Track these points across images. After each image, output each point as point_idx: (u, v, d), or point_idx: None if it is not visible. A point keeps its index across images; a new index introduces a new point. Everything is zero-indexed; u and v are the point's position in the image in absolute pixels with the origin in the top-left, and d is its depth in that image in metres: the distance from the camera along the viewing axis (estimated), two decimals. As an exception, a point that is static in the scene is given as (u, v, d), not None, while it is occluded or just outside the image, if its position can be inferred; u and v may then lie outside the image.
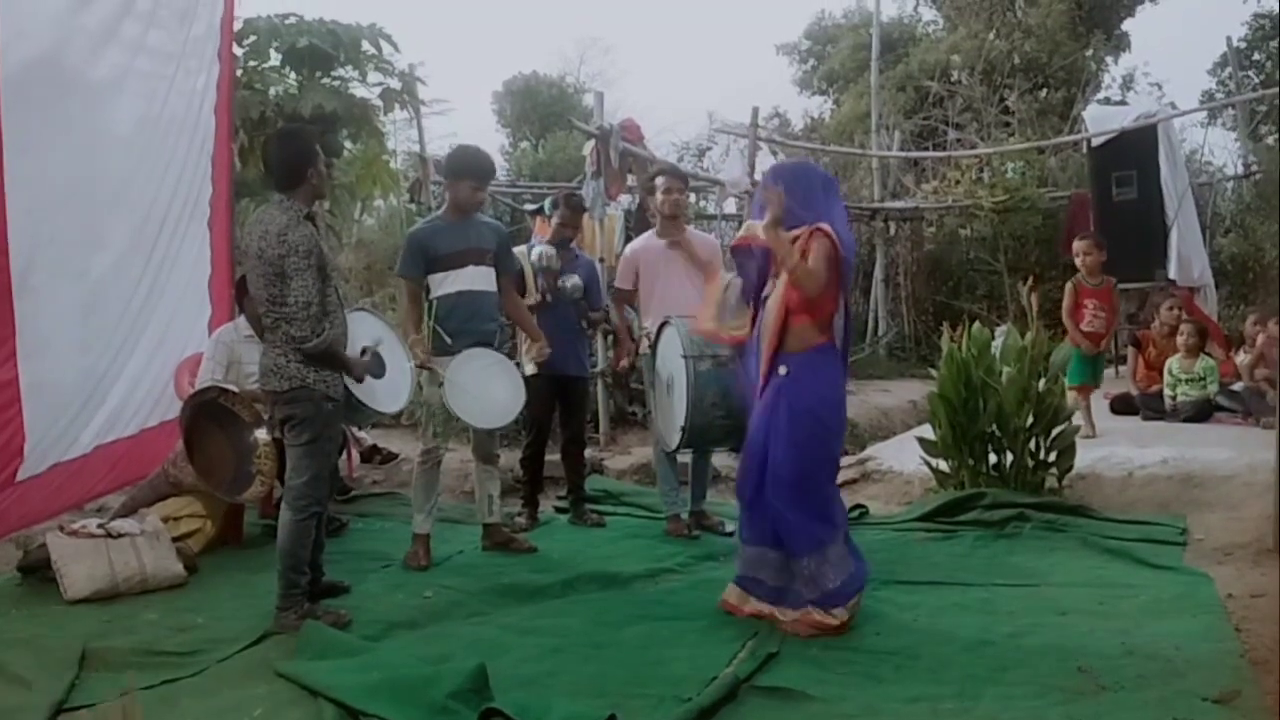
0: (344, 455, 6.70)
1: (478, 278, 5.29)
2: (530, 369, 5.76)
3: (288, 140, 4.45)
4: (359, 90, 9.63)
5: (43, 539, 4.92)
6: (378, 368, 4.62)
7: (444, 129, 17.80)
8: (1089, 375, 7.58)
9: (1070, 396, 6.75)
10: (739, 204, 12.07)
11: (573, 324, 6.18)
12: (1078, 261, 7.66)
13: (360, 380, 4.46)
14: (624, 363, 6.29)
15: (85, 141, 5.43)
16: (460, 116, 21.74)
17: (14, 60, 4.88)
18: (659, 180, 6.10)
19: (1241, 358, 8.28)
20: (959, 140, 15.71)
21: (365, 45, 9.34)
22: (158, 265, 6.00)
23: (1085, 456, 6.35)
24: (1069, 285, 7.71)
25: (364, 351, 4.55)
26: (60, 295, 5.25)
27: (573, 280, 6.06)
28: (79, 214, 5.39)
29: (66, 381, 5.30)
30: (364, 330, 4.70)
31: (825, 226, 4.13)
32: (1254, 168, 12.98)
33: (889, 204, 14.51)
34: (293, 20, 9.10)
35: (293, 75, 9.29)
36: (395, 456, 7.36)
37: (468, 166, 5.38)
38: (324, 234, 5.09)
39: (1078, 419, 6.50)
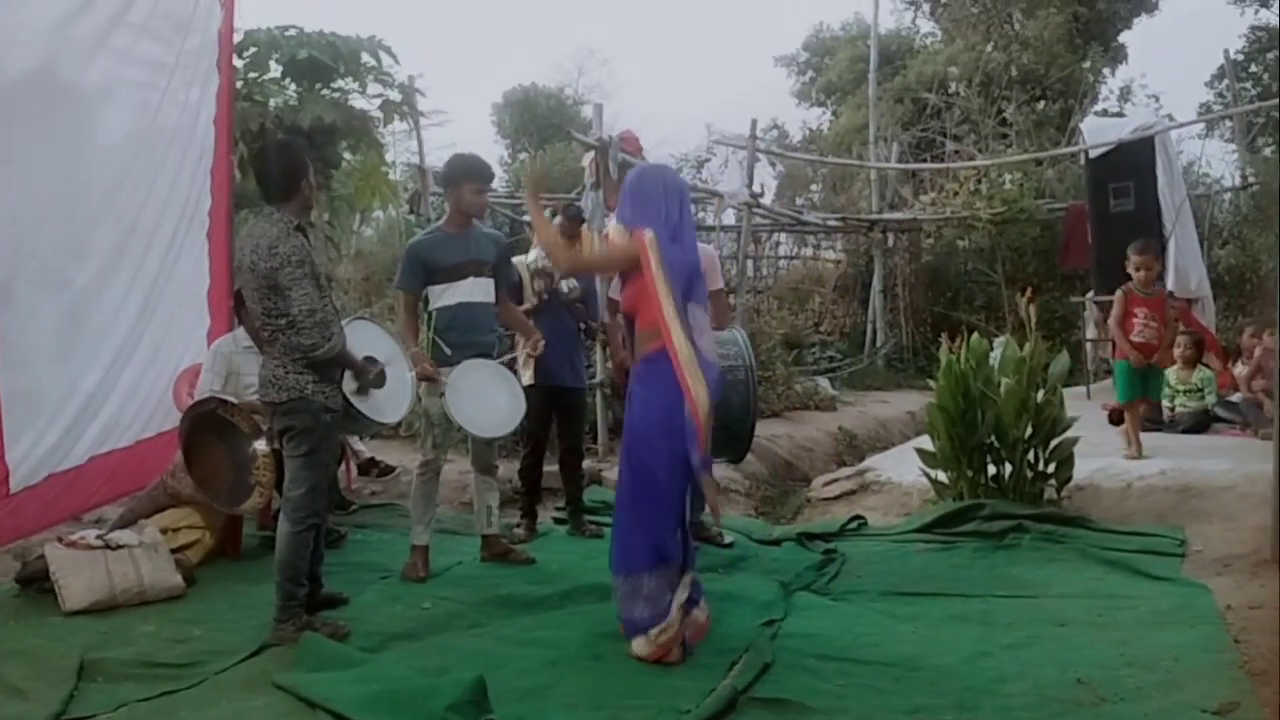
0: (342, 467, 6.70)
1: (476, 289, 5.29)
2: (528, 378, 5.76)
3: (280, 153, 4.46)
4: (358, 102, 9.71)
5: (41, 550, 4.92)
6: (379, 378, 4.63)
7: (443, 140, 17.74)
8: (1138, 390, 7.05)
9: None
10: (738, 215, 12.09)
11: (570, 334, 6.18)
12: (1135, 274, 7.09)
13: (365, 388, 4.47)
14: (623, 355, 6.25)
15: (73, 151, 5.43)
16: (459, 128, 21.70)
17: (4, 70, 4.89)
18: None
19: (1239, 369, 8.29)
20: (957, 152, 15.75)
21: (365, 57, 9.40)
22: (153, 276, 5.99)
23: (1084, 468, 6.35)
24: (1119, 293, 7.16)
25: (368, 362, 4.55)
26: (44, 306, 5.24)
27: (570, 282, 6.07)
28: (65, 224, 5.37)
29: (52, 392, 5.28)
30: (366, 339, 4.70)
31: (644, 234, 3.99)
32: (1251, 179, 13.00)
33: (887, 215, 14.55)
34: (293, 32, 9.16)
35: (292, 87, 9.34)
36: (393, 469, 7.34)
37: (467, 170, 5.39)
38: (320, 245, 5.09)
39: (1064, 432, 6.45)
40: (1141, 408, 7.17)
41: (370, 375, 4.48)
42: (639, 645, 3.98)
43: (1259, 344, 8.06)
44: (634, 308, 4.09)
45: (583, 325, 6.30)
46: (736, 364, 5.26)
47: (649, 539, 4.01)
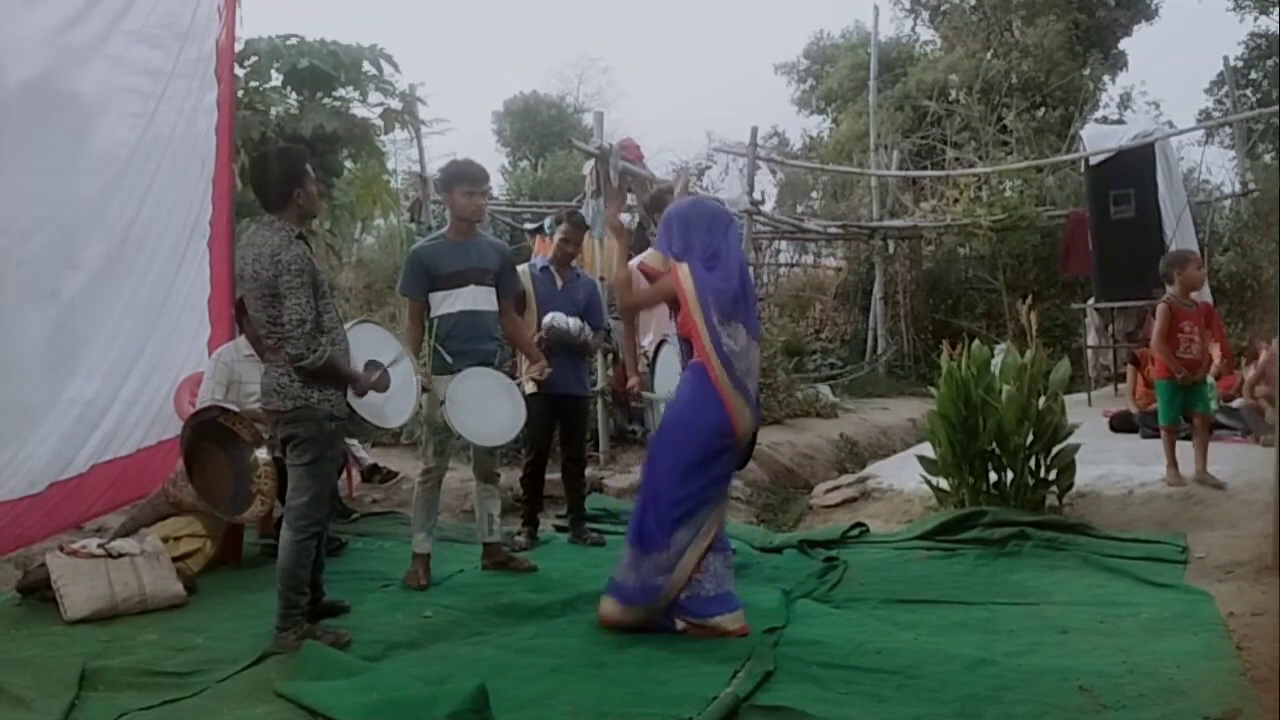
0: (344, 475, 6.69)
1: (479, 297, 5.29)
2: (530, 387, 5.77)
3: (273, 161, 4.45)
4: (359, 110, 9.74)
5: (42, 559, 4.92)
6: (383, 382, 4.61)
7: (444, 148, 17.74)
8: (1180, 409, 6.59)
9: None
10: (738, 222, 12.11)
11: (572, 343, 6.18)
12: (1182, 285, 6.63)
13: (362, 395, 4.45)
14: (632, 382, 6.19)
15: (67, 160, 5.40)
16: (460, 136, 21.65)
17: (1, 79, 4.89)
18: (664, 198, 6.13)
19: (1251, 372, 8.23)
20: (957, 159, 15.78)
21: (366, 66, 9.42)
22: (153, 285, 5.97)
23: (1085, 475, 6.35)
24: (1162, 308, 6.58)
25: (366, 366, 4.54)
26: (33, 315, 5.22)
27: (576, 324, 6.06)
28: (57, 233, 5.34)
29: (42, 402, 5.25)
30: (371, 342, 4.68)
31: (679, 268, 4.39)
32: (1251, 186, 13.03)
33: (887, 223, 14.57)
34: (294, 41, 9.18)
35: (294, 96, 9.36)
36: (395, 475, 7.35)
37: (458, 173, 5.40)
38: (322, 253, 5.10)
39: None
40: (1194, 425, 6.62)
41: (364, 386, 4.45)
42: (605, 603, 4.46)
43: (1265, 348, 8.04)
44: (687, 332, 4.47)
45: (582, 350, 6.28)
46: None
47: (639, 516, 4.44)
